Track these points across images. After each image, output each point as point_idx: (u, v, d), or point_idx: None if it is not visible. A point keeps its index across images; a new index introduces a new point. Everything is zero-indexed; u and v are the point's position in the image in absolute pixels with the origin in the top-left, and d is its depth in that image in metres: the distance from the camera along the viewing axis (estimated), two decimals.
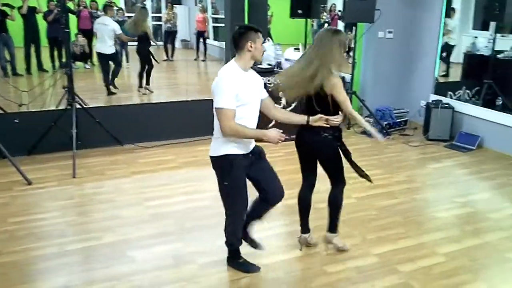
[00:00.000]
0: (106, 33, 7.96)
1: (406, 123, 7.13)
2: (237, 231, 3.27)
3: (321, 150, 3.34)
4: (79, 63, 10.36)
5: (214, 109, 2.92)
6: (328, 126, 3.17)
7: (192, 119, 6.31)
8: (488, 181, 5.18)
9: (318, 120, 3.16)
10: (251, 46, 2.93)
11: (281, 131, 3.01)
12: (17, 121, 5.51)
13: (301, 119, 3.22)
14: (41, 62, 9.56)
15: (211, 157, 3.07)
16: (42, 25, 9.55)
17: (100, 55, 8.17)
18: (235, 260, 3.37)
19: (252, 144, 3.14)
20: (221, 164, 3.03)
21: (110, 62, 8.21)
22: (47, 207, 4.33)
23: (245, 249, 3.37)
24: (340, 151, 3.36)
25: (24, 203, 4.38)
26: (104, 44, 8.01)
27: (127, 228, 3.92)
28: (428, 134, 6.53)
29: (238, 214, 3.22)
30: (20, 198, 4.49)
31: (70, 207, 4.34)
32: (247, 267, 3.35)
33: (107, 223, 4.01)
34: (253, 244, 3.45)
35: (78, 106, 5.64)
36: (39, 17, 9.46)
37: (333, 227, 3.60)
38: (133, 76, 8.62)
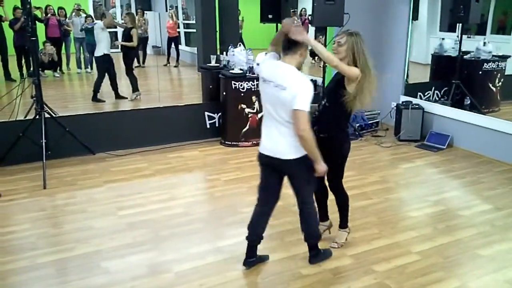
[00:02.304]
0: (96, 36, 8.08)
1: (378, 125, 7.22)
2: (318, 219, 3.51)
3: None
4: (48, 72, 10.18)
5: (291, 111, 2.86)
6: None
7: (165, 126, 6.27)
8: (458, 179, 5.29)
9: None
10: (301, 54, 2.99)
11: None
12: None
13: None
14: (9, 71, 9.34)
15: (292, 159, 3.02)
16: (9, 34, 9.36)
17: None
18: (320, 253, 3.46)
19: None
20: (306, 161, 3.03)
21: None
22: (18, 219, 4.22)
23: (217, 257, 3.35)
24: None
25: None
26: (97, 48, 8.16)
27: (101, 239, 3.85)
28: (399, 134, 6.63)
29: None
30: None
31: (41, 219, 4.24)
32: (328, 252, 3.55)
33: (80, 234, 3.94)
34: (262, 258, 3.49)
35: (47, 115, 5.53)
36: (5, 25, 9.26)
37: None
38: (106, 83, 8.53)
